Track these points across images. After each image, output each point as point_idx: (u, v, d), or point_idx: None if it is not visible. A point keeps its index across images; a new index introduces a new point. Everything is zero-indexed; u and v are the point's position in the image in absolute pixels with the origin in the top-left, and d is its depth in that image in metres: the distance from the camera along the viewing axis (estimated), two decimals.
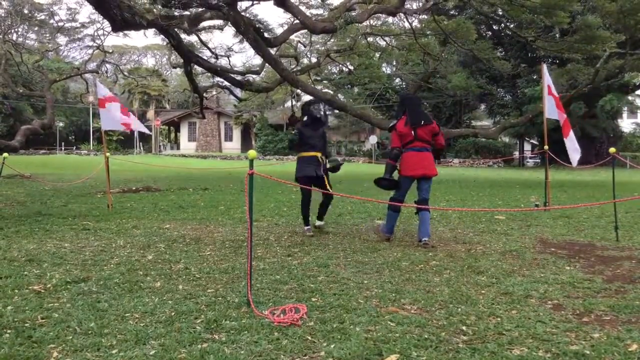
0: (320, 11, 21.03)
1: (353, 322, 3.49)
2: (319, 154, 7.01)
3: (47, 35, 27.41)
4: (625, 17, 16.32)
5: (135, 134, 54.01)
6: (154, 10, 13.09)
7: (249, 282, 3.91)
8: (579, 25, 16.80)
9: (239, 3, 14.66)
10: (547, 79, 9.89)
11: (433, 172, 6.39)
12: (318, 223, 7.30)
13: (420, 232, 6.24)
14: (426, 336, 3.24)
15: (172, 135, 61.86)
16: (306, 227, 7.07)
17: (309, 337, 3.22)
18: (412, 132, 6.32)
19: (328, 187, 7.00)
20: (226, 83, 20.77)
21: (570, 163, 9.49)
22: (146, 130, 11.24)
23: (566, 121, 9.66)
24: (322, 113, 7.25)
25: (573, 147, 9.39)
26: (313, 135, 7.04)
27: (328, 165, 7.20)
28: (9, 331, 3.28)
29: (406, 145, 6.39)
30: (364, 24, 18.88)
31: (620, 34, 17.90)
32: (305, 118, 7.16)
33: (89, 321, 3.46)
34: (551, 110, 9.82)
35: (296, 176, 7.03)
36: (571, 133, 9.62)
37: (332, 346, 3.08)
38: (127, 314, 3.63)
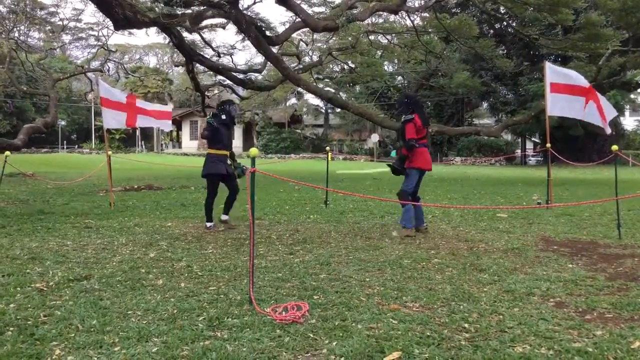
0: (322, 9, 20.99)
1: (355, 319, 3.49)
2: (228, 153, 7.31)
3: (51, 34, 27.44)
4: (628, 14, 16.26)
5: (137, 132, 54.10)
6: (156, 8, 13.07)
7: (251, 280, 3.91)
8: (582, 23, 16.73)
9: (241, 1, 14.66)
10: (549, 77, 9.84)
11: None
12: (224, 217, 7.37)
13: (420, 221, 6.95)
14: (428, 333, 3.24)
15: (174, 133, 61.88)
16: (209, 225, 7.15)
17: (311, 335, 3.22)
18: (425, 129, 6.90)
19: (237, 182, 7.39)
20: (228, 81, 20.75)
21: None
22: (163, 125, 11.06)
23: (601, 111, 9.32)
24: (236, 113, 7.49)
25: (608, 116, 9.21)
26: (227, 135, 7.26)
27: (235, 172, 7.46)
28: (11, 329, 3.29)
29: (419, 141, 6.81)
30: (366, 22, 18.85)
31: (622, 31, 17.84)
32: (223, 116, 7.21)
33: (91, 319, 3.47)
34: (574, 108, 9.56)
35: (205, 173, 7.15)
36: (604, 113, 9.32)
37: (334, 344, 3.08)
38: (129, 312, 3.64)
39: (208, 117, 7.38)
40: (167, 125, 10.94)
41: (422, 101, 7.40)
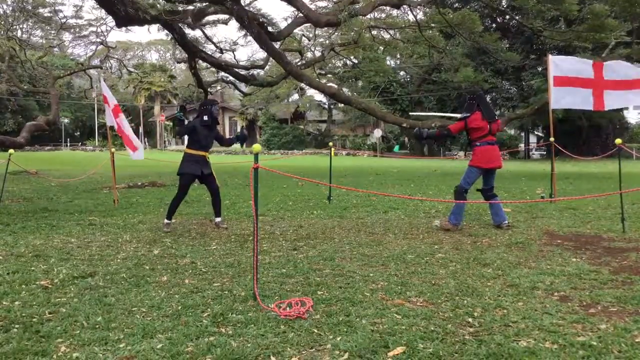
0: (324, 4, 20.97)
1: (359, 314, 3.49)
2: (207, 154, 7.13)
3: (52, 31, 27.43)
4: (632, 5, 16.18)
5: (140, 129, 54.13)
6: (158, 5, 13.06)
7: (255, 276, 3.92)
8: (586, 13, 16.65)
9: None
10: (553, 70, 9.79)
11: (502, 163, 7.06)
12: (217, 220, 7.20)
13: (499, 217, 6.86)
14: (432, 328, 3.24)
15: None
16: (167, 222, 6.96)
17: (315, 330, 3.23)
18: (488, 126, 6.81)
19: (217, 182, 7.24)
20: (231, 78, 20.75)
21: None
22: (136, 153, 9.84)
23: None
24: (218, 114, 7.29)
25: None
26: (207, 136, 7.07)
27: (236, 134, 7.40)
28: (17, 326, 3.31)
29: (480, 139, 6.81)
30: (368, 16, 18.80)
31: (627, 22, 17.76)
32: (205, 117, 7.02)
33: (96, 315, 3.48)
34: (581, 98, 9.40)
35: (180, 172, 7.03)
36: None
37: (339, 339, 3.08)
38: (134, 308, 3.65)
39: (177, 112, 7.27)
40: (135, 156, 9.89)
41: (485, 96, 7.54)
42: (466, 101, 7.02)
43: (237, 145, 7.30)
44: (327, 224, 7.37)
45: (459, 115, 7.67)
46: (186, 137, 7.17)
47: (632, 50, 17.86)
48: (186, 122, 7.10)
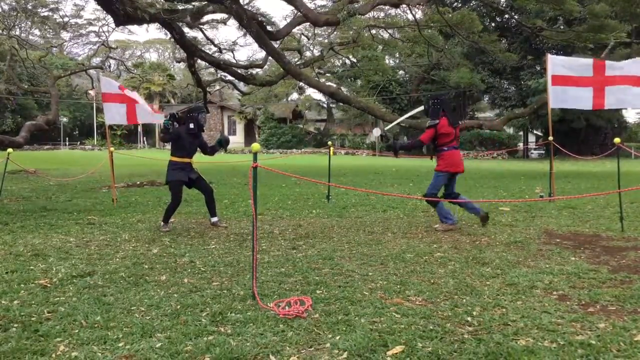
0: (323, 2, 20.99)
1: (358, 313, 3.50)
2: (191, 161, 7.13)
3: (52, 31, 27.39)
4: (632, 5, 16.20)
5: (139, 128, 54.11)
6: (157, 4, 13.05)
7: (254, 275, 3.92)
8: (586, 14, 16.67)
9: None
10: (552, 69, 9.78)
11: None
12: (213, 220, 7.17)
13: (476, 210, 6.90)
14: (431, 327, 3.24)
15: None
16: (163, 224, 6.94)
17: (315, 329, 3.23)
18: (454, 131, 6.81)
19: (207, 182, 7.25)
20: (229, 77, 20.75)
21: None
22: (153, 119, 10.56)
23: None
24: (205, 122, 7.26)
25: None
26: (192, 143, 7.07)
27: (217, 140, 7.35)
28: (15, 325, 3.30)
29: (447, 144, 6.82)
30: (367, 16, 18.81)
31: (626, 22, 17.77)
32: (191, 125, 6.98)
33: (95, 315, 3.48)
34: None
35: (168, 180, 7.02)
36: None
37: (338, 338, 3.08)
38: (133, 308, 3.65)
39: (166, 119, 7.24)
40: (160, 118, 10.49)
41: (450, 101, 7.48)
42: (430, 106, 6.94)
43: (235, 145, 7.27)
44: (326, 223, 7.37)
45: (421, 108, 7.72)
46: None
47: (632, 50, 17.88)
48: (171, 129, 7.06)
